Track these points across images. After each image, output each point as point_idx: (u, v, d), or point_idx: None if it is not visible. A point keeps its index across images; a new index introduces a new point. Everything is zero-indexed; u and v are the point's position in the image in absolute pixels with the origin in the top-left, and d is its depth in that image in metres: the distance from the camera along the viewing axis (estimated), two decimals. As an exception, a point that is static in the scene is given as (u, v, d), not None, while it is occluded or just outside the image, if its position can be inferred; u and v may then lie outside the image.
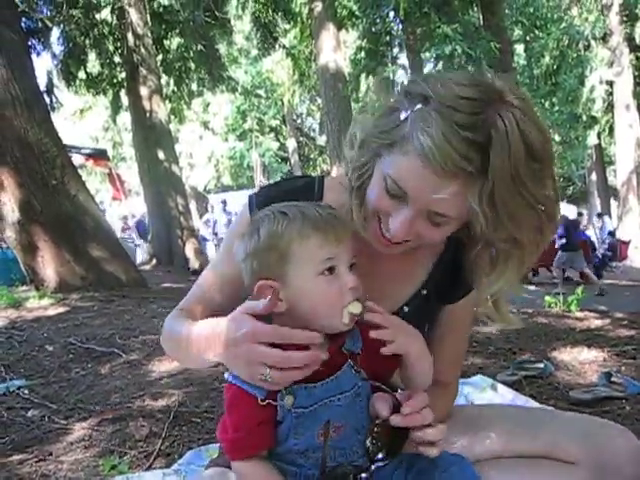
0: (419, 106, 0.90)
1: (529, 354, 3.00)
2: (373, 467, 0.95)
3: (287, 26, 15.75)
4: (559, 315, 4.36)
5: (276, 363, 0.87)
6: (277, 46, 14.53)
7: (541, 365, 2.71)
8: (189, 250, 11.62)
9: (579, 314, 4.45)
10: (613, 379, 2.44)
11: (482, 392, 2.27)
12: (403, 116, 0.92)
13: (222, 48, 17.00)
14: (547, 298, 5.11)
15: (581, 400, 2.30)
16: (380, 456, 0.94)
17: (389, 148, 0.94)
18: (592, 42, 17.18)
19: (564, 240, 9.58)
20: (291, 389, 0.90)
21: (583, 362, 2.94)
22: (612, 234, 14.34)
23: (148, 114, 11.48)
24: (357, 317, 0.92)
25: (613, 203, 21.73)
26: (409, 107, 0.91)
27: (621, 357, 3.01)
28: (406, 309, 1.21)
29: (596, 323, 3.98)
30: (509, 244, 0.97)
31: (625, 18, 16.12)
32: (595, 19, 16.89)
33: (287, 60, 17.69)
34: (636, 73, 17.23)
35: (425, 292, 1.21)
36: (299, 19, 14.76)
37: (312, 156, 32.10)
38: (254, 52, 20.42)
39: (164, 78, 13.84)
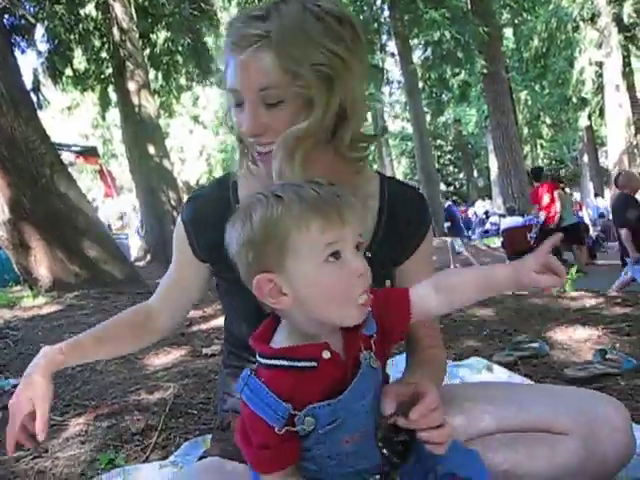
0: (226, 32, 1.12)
1: (524, 335, 3.01)
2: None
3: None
4: (554, 296, 4.37)
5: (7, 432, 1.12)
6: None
7: (536, 345, 2.72)
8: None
9: (574, 294, 4.47)
10: (608, 356, 2.45)
11: (478, 374, 2.28)
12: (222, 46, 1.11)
13: (210, 41, 16.89)
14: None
15: (576, 378, 2.30)
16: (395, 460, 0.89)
17: (223, 75, 1.11)
18: (580, 23, 17.10)
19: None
20: (311, 410, 0.83)
21: (578, 341, 2.95)
22: (602, 216, 14.37)
23: (137, 109, 11.38)
24: (367, 304, 0.86)
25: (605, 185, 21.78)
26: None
27: (615, 334, 3.02)
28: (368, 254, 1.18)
29: (590, 302, 3.99)
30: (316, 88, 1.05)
31: (613, -2, 16.06)
32: (583, 0, 16.80)
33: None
34: (625, 53, 17.22)
35: (369, 255, 1.15)
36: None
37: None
38: (242, 44, 20.25)
39: (152, 72, 13.71)
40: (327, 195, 0.85)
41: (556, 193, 8.66)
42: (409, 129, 26.41)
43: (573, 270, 5.03)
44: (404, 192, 1.28)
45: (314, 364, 0.83)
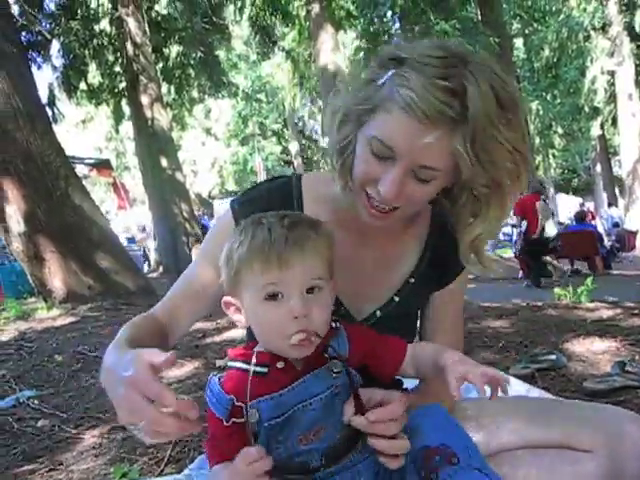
0: (394, 70, 0.94)
1: (541, 347, 2.97)
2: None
3: (285, 29, 15.78)
4: (569, 307, 4.32)
5: (149, 421, 0.81)
6: (276, 49, 14.55)
7: (553, 357, 2.68)
8: (195, 256, 11.61)
9: (590, 305, 4.41)
10: (627, 368, 2.40)
11: (494, 386, 2.24)
12: (381, 82, 0.95)
13: (221, 54, 17.08)
14: (556, 290, 5.07)
15: (595, 390, 2.26)
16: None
17: (371, 113, 0.97)
18: (592, 32, 17.11)
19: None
20: (255, 403, 0.88)
21: (596, 352, 2.90)
22: (616, 225, 14.22)
23: (150, 122, 11.52)
24: (304, 344, 0.88)
25: (618, 194, 21.60)
26: (385, 73, 0.96)
27: (635, 346, 2.96)
28: (396, 299, 1.20)
29: (607, 313, 3.93)
30: (490, 188, 1.00)
31: (624, 7, 16.02)
32: (594, 9, 16.81)
33: (286, 63, 17.70)
34: (637, 62, 17.13)
35: (413, 280, 1.20)
36: (297, 21, 14.77)
37: (315, 158, 32.10)
38: (253, 57, 20.47)
39: (165, 86, 13.91)
40: (277, 238, 0.88)
41: (537, 204, 8.67)
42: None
43: (589, 280, 4.96)
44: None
45: (265, 370, 0.90)
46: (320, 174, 1.29)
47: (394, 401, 0.92)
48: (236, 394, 0.88)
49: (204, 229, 12.54)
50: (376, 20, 13.69)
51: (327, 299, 0.94)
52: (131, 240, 14.50)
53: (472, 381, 0.86)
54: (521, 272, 9.55)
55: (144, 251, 14.49)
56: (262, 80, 29.23)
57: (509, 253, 14.27)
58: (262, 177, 30.62)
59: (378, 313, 1.19)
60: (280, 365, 0.91)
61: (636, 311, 3.91)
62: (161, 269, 12.01)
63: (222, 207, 18.81)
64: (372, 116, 0.97)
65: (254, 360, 0.91)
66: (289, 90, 19.36)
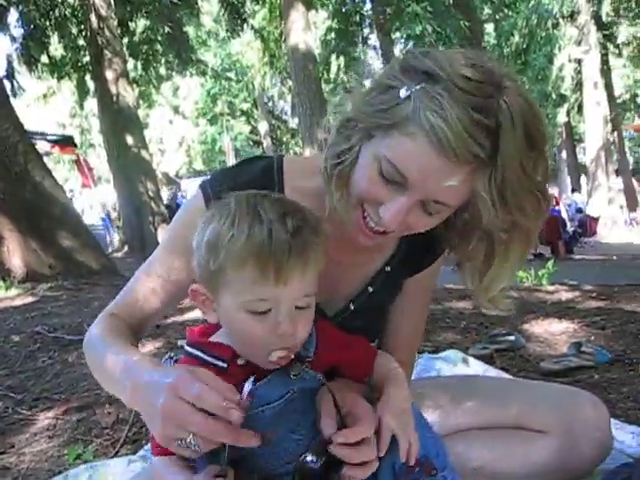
0: (423, 84, 0.82)
1: (501, 328, 3.01)
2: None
3: (256, 7, 15.48)
4: (530, 289, 4.40)
5: (202, 432, 0.74)
6: (246, 27, 14.24)
7: (512, 338, 2.73)
8: (161, 236, 11.46)
9: (550, 288, 4.50)
10: (583, 349, 2.46)
11: (454, 366, 2.27)
12: (404, 94, 0.83)
13: (190, 30, 16.66)
14: (518, 273, 5.17)
15: (551, 370, 2.31)
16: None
17: (386, 129, 0.85)
18: (560, 20, 17.29)
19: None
20: None
21: (554, 334, 2.97)
22: (580, 211, 14.56)
23: (115, 98, 11.17)
24: (282, 362, 0.83)
25: (582, 180, 22.09)
26: (410, 84, 0.84)
27: (591, 327, 3.04)
28: (370, 289, 1.16)
29: (567, 296, 4.03)
30: (510, 231, 0.92)
31: (592, -4, 16.24)
32: (563, -3, 16.98)
33: (257, 42, 17.40)
34: (603, 51, 17.43)
35: (389, 269, 1.17)
36: (267, -1, 14.51)
37: (285, 139, 31.80)
38: (223, 34, 20.05)
39: (131, 62, 13.51)
40: (279, 245, 0.77)
41: None
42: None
43: (550, 264, 5.07)
44: None
45: (224, 365, 0.83)
46: (303, 162, 1.20)
47: (358, 423, 0.86)
48: None
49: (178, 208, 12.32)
50: (348, 0, 13.56)
51: (312, 313, 0.87)
52: (105, 220, 14.10)
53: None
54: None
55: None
56: (232, 58, 28.67)
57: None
58: (231, 157, 30.27)
59: (351, 306, 1.15)
60: (241, 362, 0.86)
61: (594, 294, 4.01)
62: (126, 248, 11.80)
63: (190, 186, 18.52)
64: (387, 132, 0.85)
65: (215, 352, 0.85)
66: (259, 69, 19.05)
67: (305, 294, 0.82)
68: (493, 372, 2.24)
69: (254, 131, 32.14)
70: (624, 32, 18.13)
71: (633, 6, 16.77)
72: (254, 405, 0.82)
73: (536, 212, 0.90)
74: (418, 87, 0.82)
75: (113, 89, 11.18)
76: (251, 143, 32.88)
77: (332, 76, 14.23)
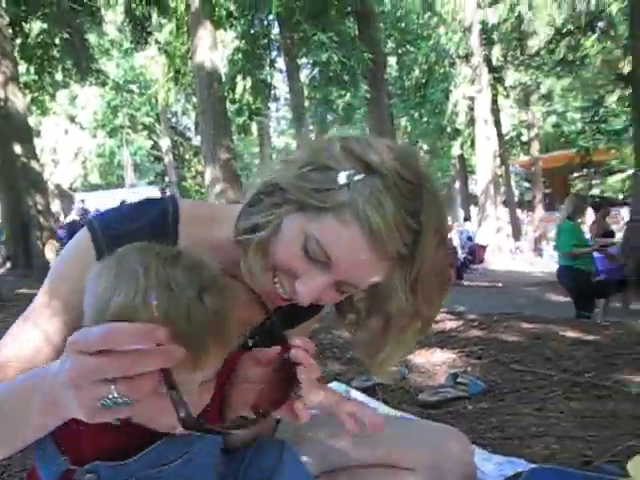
0: (363, 175, 0.85)
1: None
2: None
3: (162, 20, 15.16)
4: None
5: (121, 371, 0.62)
6: (151, 41, 13.91)
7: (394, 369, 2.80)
8: (49, 252, 10.75)
9: (437, 317, 4.68)
10: (459, 380, 2.58)
11: (336, 400, 2.28)
12: (342, 180, 0.85)
13: (92, 38, 16.00)
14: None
15: (427, 402, 2.40)
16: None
17: (320, 210, 0.85)
18: (457, 60, 18.47)
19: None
20: (93, 466, 0.76)
21: (435, 364, 3.09)
22: (470, 239, 15.49)
23: (3, 103, 10.44)
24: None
25: (473, 210, 23.53)
26: (350, 171, 0.85)
27: (469, 357, 3.20)
28: (250, 342, 1.11)
29: (451, 325, 4.21)
30: (412, 317, 0.94)
31: (484, 41, 17.53)
32: (459, 39, 18.16)
33: (162, 56, 17.00)
34: (493, 92, 18.88)
35: (270, 322, 1.12)
36: (175, 15, 14.25)
37: (187, 156, 31.14)
38: (127, 44, 19.44)
39: (23, 65, 12.71)
40: (197, 326, 0.68)
41: None
42: (294, 146, 26.77)
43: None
44: None
45: (117, 422, 0.76)
46: (199, 209, 1.10)
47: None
48: (74, 446, 0.77)
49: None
50: (257, 22, 13.66)
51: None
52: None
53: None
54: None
55: None
56: (135, 71, 27.81)
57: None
58: (129, 172, 29.15)
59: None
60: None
61: (475, 323, 4.23)
62: (8, 265, 10.94)
63: (86, 200, 17.56)
64: (320, 213, 0.85)
65: None
66: (163, 84, 18.60)
67: (215, 371, 0.78)
68: (374, 405, 2.28)
69: (155, 146, 31.22)
70: (511, 76, 19.77)
71: (518, 54, 18.35)
72: (147, 465, 0.78)
73: (440, 302, 0.96)
74: (358, 177, 0.85)
75: (1, 93, 10.45)
76: (152, 159, 31.92)
77: (237, 97, 14.19)
